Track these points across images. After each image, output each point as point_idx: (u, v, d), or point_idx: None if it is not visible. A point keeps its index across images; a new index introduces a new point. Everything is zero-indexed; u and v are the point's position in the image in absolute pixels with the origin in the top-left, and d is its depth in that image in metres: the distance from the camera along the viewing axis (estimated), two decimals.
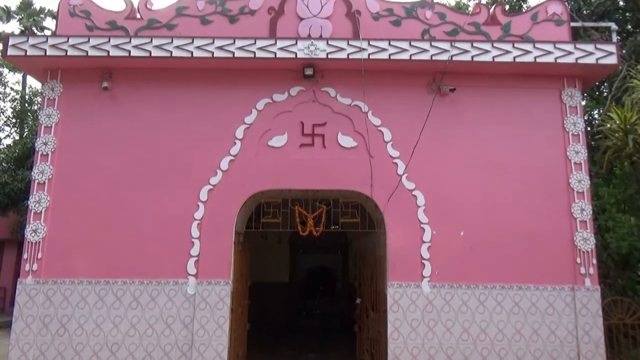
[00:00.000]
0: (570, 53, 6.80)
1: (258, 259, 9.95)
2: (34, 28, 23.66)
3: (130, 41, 6.78)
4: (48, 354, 6.41)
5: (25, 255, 6.64)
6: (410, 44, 6.79)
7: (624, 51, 10.28)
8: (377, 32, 7.10)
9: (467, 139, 7.02)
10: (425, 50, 6.78)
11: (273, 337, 10.87)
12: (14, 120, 18.71)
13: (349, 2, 7.34)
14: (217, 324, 6.51)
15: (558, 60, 6.78)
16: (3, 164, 15.39)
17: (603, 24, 9.59)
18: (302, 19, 7.28)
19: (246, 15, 7.31)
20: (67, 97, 7.07)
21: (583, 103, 7.95)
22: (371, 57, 6.75)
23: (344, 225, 7.43)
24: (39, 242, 6.64)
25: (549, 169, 6.93)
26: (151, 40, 6.78)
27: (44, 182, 6.80)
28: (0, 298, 17.54)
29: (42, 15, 24.32)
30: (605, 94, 11.14)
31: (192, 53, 6.74)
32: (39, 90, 17.56)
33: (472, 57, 6.78)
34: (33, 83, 20.74)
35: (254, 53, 6.75)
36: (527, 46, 6.82)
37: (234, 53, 6.75)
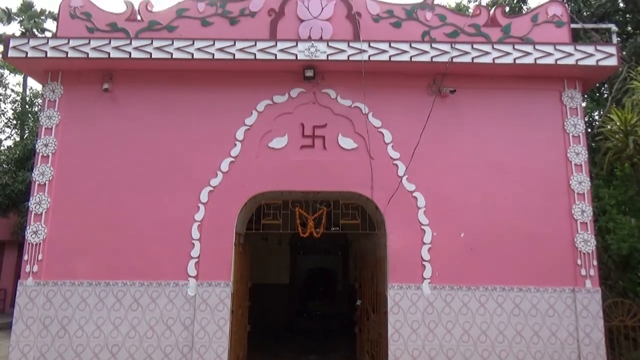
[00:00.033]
0: (570, 55, 6.80)
1: (258, 260, 9.95)
2: (34, 30, 23.71)
3: (130, 43, 6.79)
4: (48, 356, 6.41)
5: (25, 257, 6.64)
6: (410, 45, 6.80)
7: (624, 53, 10.29)
8: (378, 34, 7.11)
9: (468, 140, 7.02)
10: (425, 52, 6.79)
11: (273, 338, 10.86)
12: (14, 122, 18.72)
13: (349, 3, 7.34)
14: (217, 326, 6.51)
15: (558, 62, 6.78)
16: (4, 166, 15.40)
17: (603, 26, 9.59)
18: (302, 21, 7.29)
19: (246, 17, 7.32)
20: (67, 99, 7.08)
21: (583, 104, 7.95)
22: (371, 58, 6.75)
23: (345, 226, 7.43)
24: (40, 243, 6.64)
25: (549, 171, 6.93)
26: (152, 42, 6.79)
27: (45, 184, 6.81)
28: (0, 299, 17.53)
29: (42, 17, 24.38)
30: (605, 95, 11.15)
31: (192, 55, 6.75)
32: (40, 92, 17.58)
33: (473, 58, 6.79)
34: (34, 85, 20.77)
35: (255, 55, 6.76)
36: (528, 48, 6.82)
37: (234, 55, 6.76)
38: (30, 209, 6.77)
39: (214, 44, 6.77)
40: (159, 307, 6.56)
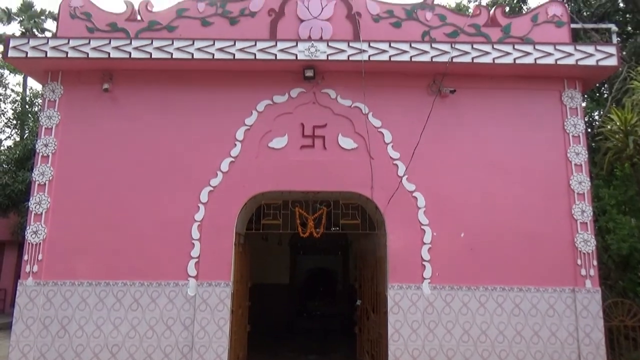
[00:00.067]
0: (570, 55, 6.80)
1: (258, 260, 9.95)
2: (34, 30, 23.72)
3: (130, 43, 6.79)
4: (48, 356, 6.41)
5: (25, 257, 6.64)
6: (410, 45, 6.80)
7: (624, 53, 10.29)
8: (378, 34, 7.11)
9: (468, 140, 7.02)
10: (425, 52, 6.79)
11: (273, 338, 10.86)
12: (14, 122, 18.73)
13: (349, 4, 7.34)
14: (217, 326, 6.51)
15: (558, 62, 6.78)
16: (4, 166, 15.40)
17: (603, 26, 9.59)
18: (302, 21, 7.29)
19: (246, 17, 7.32)
20: (67, 99, 7.08)
21: (583, 104, 7.95)
22: (371, 58, 6.75)
23: (345, 226, 7.43)
24: (40, 243, 6.64)
25: (549, 171, 6.93)
26: (152, 42, 6.79)
27: (45, 184, 6.81)
28: (0, 299, 17.54)
29: (42, 17, 24.38)
30: (605, 95, 11.15)
31: (192, 55, 6.75)
32: (40, 92, 17.58)
33: (473, 58, 6.78)
34: (34, 85, 20.77)
35: (255, 55, 6.76)
36: (528, 48, 6.82)
37: (234, 55, 6.76)
38: (30, 209, 6.78)
39: (214, 44, 6.77)
40: (159, 307, 6.56)
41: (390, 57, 6.77)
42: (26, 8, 24.15)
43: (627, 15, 11.81)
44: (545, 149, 6.98)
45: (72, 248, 6.66)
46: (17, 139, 18.28)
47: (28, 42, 6.84)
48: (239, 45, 6.77)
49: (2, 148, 17.75)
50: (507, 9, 11.99)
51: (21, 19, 24.11)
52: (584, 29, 9.77)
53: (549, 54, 6.79)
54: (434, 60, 6.78)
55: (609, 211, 9.07)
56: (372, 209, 7.18)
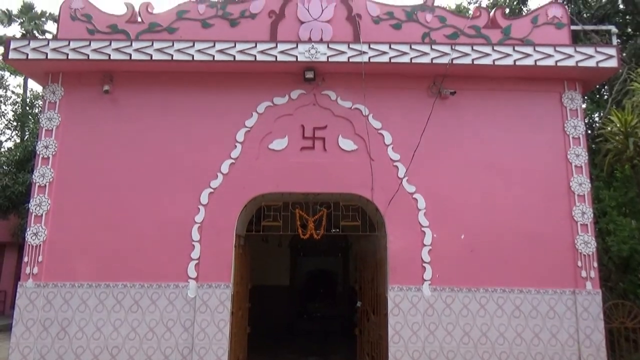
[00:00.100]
0: (570, 56, 6.80)
1: (259, 262, 9.94)
2: (35, 32, 23.78)
3: (131, 45, 6.80)
4: (48, 358, 6.40)
5: (25, 259, 6.63)
6: (410, 47, 6.80)
7: (624, 54, 10.29)
8: (378, 36, 7.11)
9: (468, 142, 7.02)
10: (425, 54, 6.79)
11: (273, 340, 10.86)
12: (15, 124, 18.76)
13: (349, 5, 7.35)
14: (217, 328, 6.50)
15: (558, 64, 6.78)
16: (4, 167, 15.42)
17: (603, 27, 9.61)
18: (302, 23, 7.29)
19: (247, 19, 7.32)
20: (68, 101, 7.09)
21: (583, 106, 7.95)
22: (372, 60, 6.76)
23: (345, 228, 7.43)
24: (40, 245, 6.64)
25: (549, 172, 6.92)
26: (152, 44, 6.79)
27: (45, 185, 6.81)
28: (0, 301, 17.54)
29: (43, 19, 24.44)
30: (605, 97, 11.15)
31: (192, 56, 6.75)
32: (40, 94, 17.59)
33: (473, 60, 6.79)
34: (34, 86, 20.80)
35: (255, 56, 6.76)
36: (528, 49, 6.83)
37: (234, 56, 6.76)
38: (31, 210, 6.77)
39: (214, 45, 6.78)
40: (159, 308, 6.55)
41: (390, 58, 6.77)
42: (27, 10, 24.21)
43: (627, 17, 11.82)
44: (545, 151, 6.98)
45: (72, 250, 6.66)
46: (18, 140, 18.31)
47: (29, 43, 6.84)
48: (239, 46, 6.78)
49: (2, 150, 17.77)
50: (507, 10, 12.01)
51: (22, 20, 24.17)
52: (584, 30, 9.78)
53: (549, 56, 6.79)
54: (434, 61, 6.78)
55: (609, 213, 9.07)
56: (373, 211, 7.18)
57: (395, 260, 6.70)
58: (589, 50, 6.87)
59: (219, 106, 7.10)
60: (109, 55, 6.75)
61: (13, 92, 19.89)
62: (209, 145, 6.96)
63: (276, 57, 6.76)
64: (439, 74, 6.94)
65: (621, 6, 11.62)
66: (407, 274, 6.65)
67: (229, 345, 6.56)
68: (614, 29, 8.16)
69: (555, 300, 6.60)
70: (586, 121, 10.46)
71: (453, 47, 6.79)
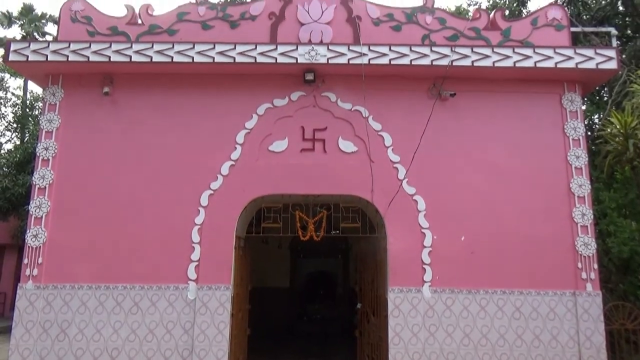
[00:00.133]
0: (570, 58, 6.81)
1: (259, 263, 9.94)
2: (35, 33, 23.78)
3: (131, 47, 6.80)
4: (48, 359, 6.41)
5: (25, 260, 6.62)
6: (410, 49, 6.81)
7: (623, 56, 10.31)
8: (378, 38, 7.12)
9: (468, 143, 7.02)
10: (425, 55, 6.80)
11: (273, 342, 10.85)
12: (15, 125, 18.78)
13: (349, 7, 7.36)
14: (217, 329, 6.50)
15: (558, 65, 6.79)
16: (4, 169, 15.41)
17: (603, 29, 9.63)
18: (302, 24, 7.30)
19: (247, 21, 7.33)
20: (68, 103, 7.09)
21: (583, 108, 7.97)
22: (371, 62, 6.76)
23: (345, 230, 7.42)
24: (40, 247, 6.64)
25: (549, 174, 6.92)
26: (152, 46, 6.80)
27: (45, 187, 6.80)
28: (0, 303, 17.52)
29: (43, 21, 24.46)
30: (605, 98, 11.17)
31: (192, 58, 6.76)
32: (40, 96, 17.61)
33: (472, 62, 6.80)
34: (34, 88, 20.81)
35: (255, 58, 6.77)
36: (527, 51, 6.83)
37: (234, 58, 6.77)
38: (30, 212, 6.77)
39: (214, 47, 6.78)
40: (159, 310, 6.54)
41: (390, 60, 6.78)
42: (27, 12, 24.23)
43: (627, 19, 11.85)
44: (545, 152, 6.98)
45: (72, 251, 6.65)
46: (18, 142, 18.33)
47: (29, 45, 6.85)
48: (240, 48, 6.78)
49: (2, 151, 17.78)
50: (507, 12, 12.01)
51: (22, 22, 24.18)
52: (583, 32, 9.80)
53: (549, 57, 6.80)
54: (434, 63, 6.79)
55: (609, 214, 9.07)
56: (373, 212, 7.18)
57: (396, 262, 6.70)
58: (589, 52, 6.87)
59: (219, 108, 7.11)
60: (109, 57, 6.75)
61: (13, 94, 19.94)
62: (209, 147, 6.96)
63: (276, 58, 6.77)
64: (439, 76, 6.95)
65: (621, 8, 11.65)
66: (407, 275, 6.65)
67: (229, 347, 6.55)
68: (613, 30, 8.16)
69: (556, 302, 6.60)
70: (586, 123, 10.47)
71: (453, 49, 6.80)
